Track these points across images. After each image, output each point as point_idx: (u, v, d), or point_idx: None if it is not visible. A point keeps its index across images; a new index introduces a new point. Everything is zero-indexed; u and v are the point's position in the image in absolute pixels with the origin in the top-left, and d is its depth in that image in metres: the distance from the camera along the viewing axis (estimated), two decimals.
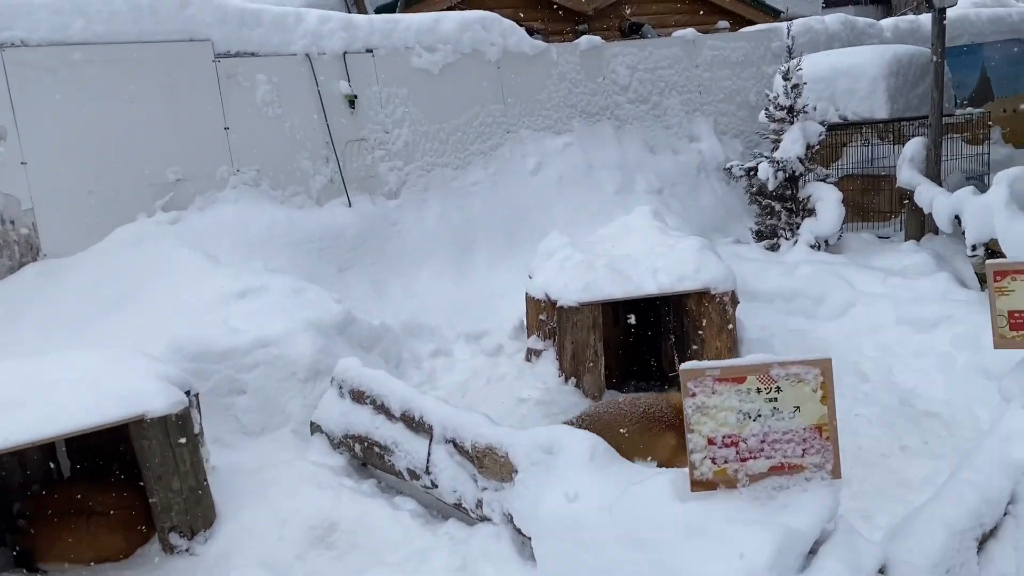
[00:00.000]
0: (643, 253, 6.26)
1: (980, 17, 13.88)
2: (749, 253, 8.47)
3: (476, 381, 6.24)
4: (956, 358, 5.93)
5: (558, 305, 5.90)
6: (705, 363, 2.74)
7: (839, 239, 8.45)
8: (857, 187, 10.33)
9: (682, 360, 6.28)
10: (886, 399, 5.78)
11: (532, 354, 6.28)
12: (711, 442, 2.72)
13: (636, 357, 6.78)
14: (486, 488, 4.00)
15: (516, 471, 3.82)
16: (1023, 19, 14.33)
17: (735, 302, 6.02)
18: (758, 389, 2.70)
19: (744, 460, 2.73)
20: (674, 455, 4.25)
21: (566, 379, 5.95)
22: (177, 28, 7.16)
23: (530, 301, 6.29)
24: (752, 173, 8.74)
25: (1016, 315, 4.12)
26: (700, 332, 6.01)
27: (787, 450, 2.74)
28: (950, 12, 9.77)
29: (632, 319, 6.68)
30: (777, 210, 8.65)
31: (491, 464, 3.96)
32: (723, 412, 2.71)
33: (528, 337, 6.39)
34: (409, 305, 7.34)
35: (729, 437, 2.72)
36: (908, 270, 7.56)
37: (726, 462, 2.73)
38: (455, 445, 4.25)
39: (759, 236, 8.88)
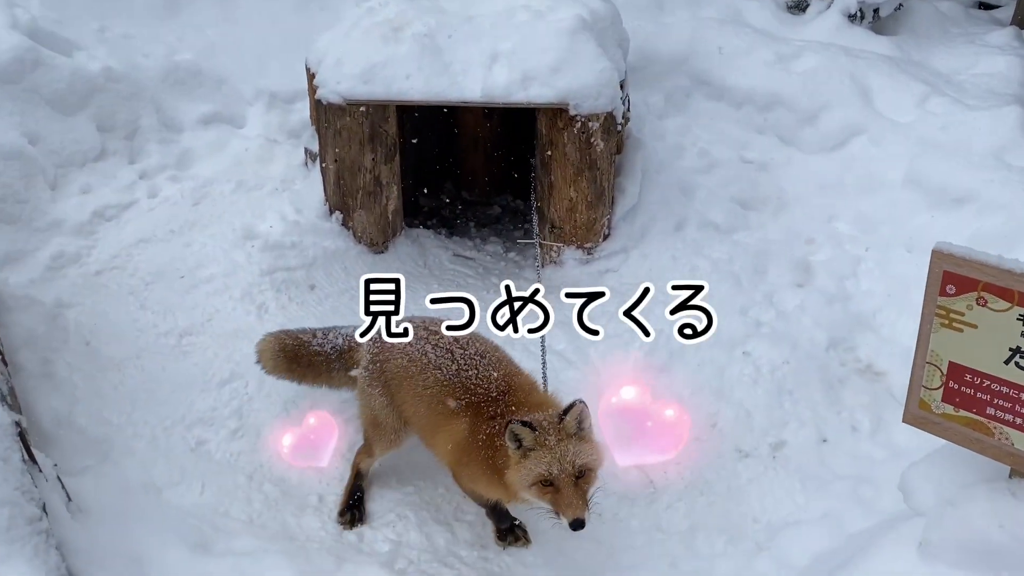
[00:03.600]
0: (496, 20, 3.80)
1: None
2: (754, 14, 5.61)
3: (226, 182, 4.23)
4: None
5: (316, 97, 3.67)
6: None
7: (898, 8, 5.48)
8: None
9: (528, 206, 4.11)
10: (812, 331, 3.57)
11: (309, 157, 4.17)
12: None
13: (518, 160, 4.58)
14: None
15: None
16: None
17: (610, 131, 3.64)
18: None
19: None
20: None
21: (331, 211, 3.90)
22: None
23: (309, 75, 4.03)
24: None
25: (966, 375, 1.83)
26: (549, 172, 3.74)
27: None
28: None
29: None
30: None
31: None
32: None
33: (312, 126, 4.24)
34: (215, 34, 5.08)
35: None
36: (973, 85, 4.78)
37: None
38: None
39: None
